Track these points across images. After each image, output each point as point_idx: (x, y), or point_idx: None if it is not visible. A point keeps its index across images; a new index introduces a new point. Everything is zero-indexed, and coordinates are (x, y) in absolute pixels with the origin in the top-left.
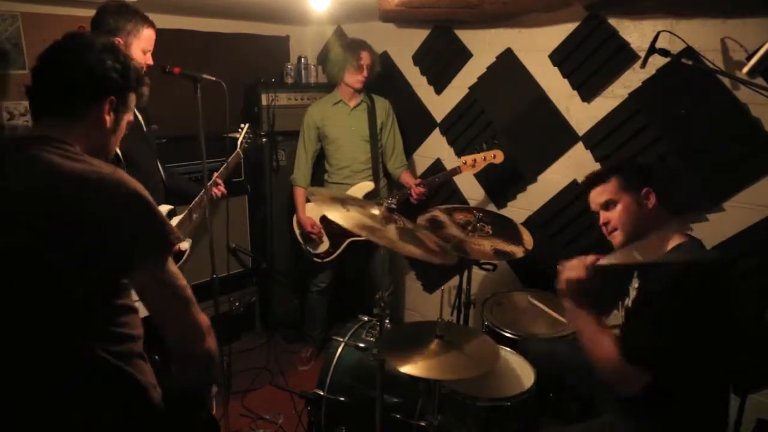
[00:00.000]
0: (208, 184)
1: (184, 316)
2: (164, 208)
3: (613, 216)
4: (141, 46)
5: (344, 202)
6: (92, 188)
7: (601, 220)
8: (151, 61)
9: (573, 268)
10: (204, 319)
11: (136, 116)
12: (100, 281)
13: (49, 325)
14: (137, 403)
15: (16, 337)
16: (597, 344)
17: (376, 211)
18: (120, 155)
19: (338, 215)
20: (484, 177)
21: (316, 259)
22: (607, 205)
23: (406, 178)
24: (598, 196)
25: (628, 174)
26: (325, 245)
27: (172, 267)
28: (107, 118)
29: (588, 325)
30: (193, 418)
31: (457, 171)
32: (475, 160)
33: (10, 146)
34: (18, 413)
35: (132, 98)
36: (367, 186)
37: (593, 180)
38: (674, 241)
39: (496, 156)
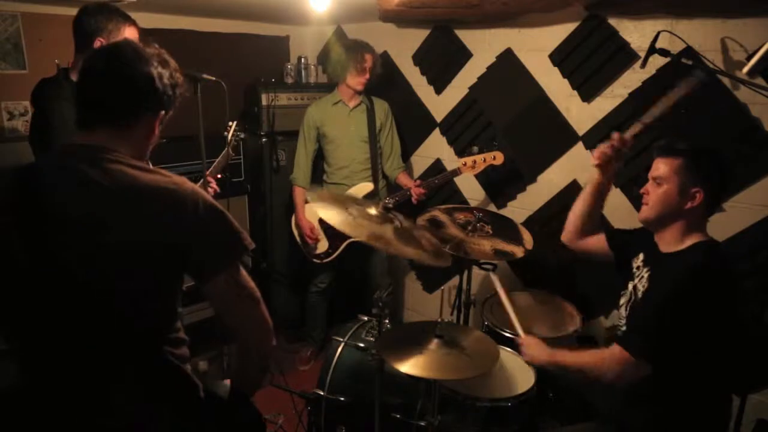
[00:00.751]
0: (199, 183)
1: (257, 314)
2: None
3: (654, 193)
4: None
5: (345, 203)
6: (173, 198)
7: (643, 189)
8: None
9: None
10: (269, 318)
11: None
12: (180, 288)
13: (135, 329)
14: (191, 400)
15: (104, 341)
16: (592, 359)
17: (373, 211)
18: None
19: (340, 221)
20: (484, 177)
21: (315, 259)
22: (656, 180)
23: (404, 180)
24: (656, 168)
25: (692, 163)
26: (324, 246)
27: (243, 269)
28: (157, 130)
29: (570, 356)
30: (240, 417)
31: (457, 172)
32: (474, 161)
33: (74, 157)
34: (96, 410)
35: (174, 108)
36: (367, 187)
37: (666, 149)
38: (693, 239)
39: (496, 157)
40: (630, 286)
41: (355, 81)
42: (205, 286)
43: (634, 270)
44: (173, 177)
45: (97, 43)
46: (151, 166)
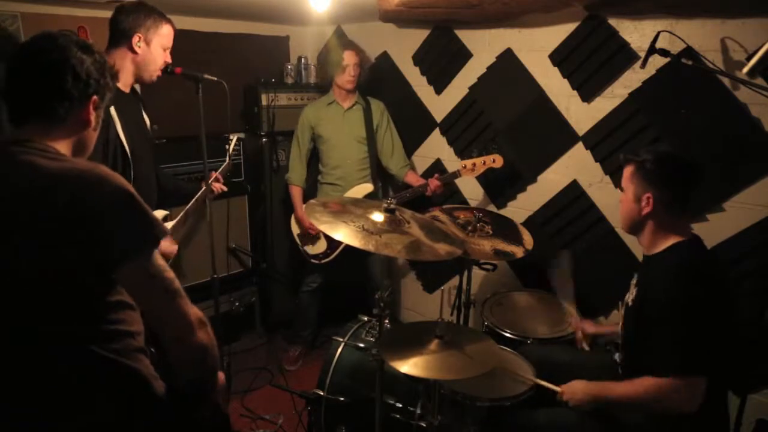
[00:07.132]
0: (209, 180)
1: (173, 308)
2: (159, 213)
3: (623, 200)
4: (161, 43)
5: (344, 211)
6: (77, 185)
7: (621, 197)
8: (169, 59)
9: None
10: (194, 311)
11: (142, 116)
12: (91, 277)
13: (44, 325)
14: (141, 395)
15: (11, 338)
16: (641, 391)
17: (380, 217)
18: (128, 152)
19: (343, 233)
20: (483, 177)
21: (313, 260)
22: (622, 188)
23: (413, 178)
24: (623, 176)
25: (639, 170)
26: (322, 246)
27: (159, 260)
28: (91, 117)
29: (617, 389)
30: (198, 411)
31: (456, 175)
32: (474, 164)
33: None
34: (19, 416)
35: (108, 95)
36: (366, 188)
37: (623, 158)
38: (670, 241)
39: (496, 160)
40: (626, 297)
41: (341, 80)
42: (114, 275)
43: (632, 288)
44: (83, 163)
45: (135, 39)
46: (65, 156)
